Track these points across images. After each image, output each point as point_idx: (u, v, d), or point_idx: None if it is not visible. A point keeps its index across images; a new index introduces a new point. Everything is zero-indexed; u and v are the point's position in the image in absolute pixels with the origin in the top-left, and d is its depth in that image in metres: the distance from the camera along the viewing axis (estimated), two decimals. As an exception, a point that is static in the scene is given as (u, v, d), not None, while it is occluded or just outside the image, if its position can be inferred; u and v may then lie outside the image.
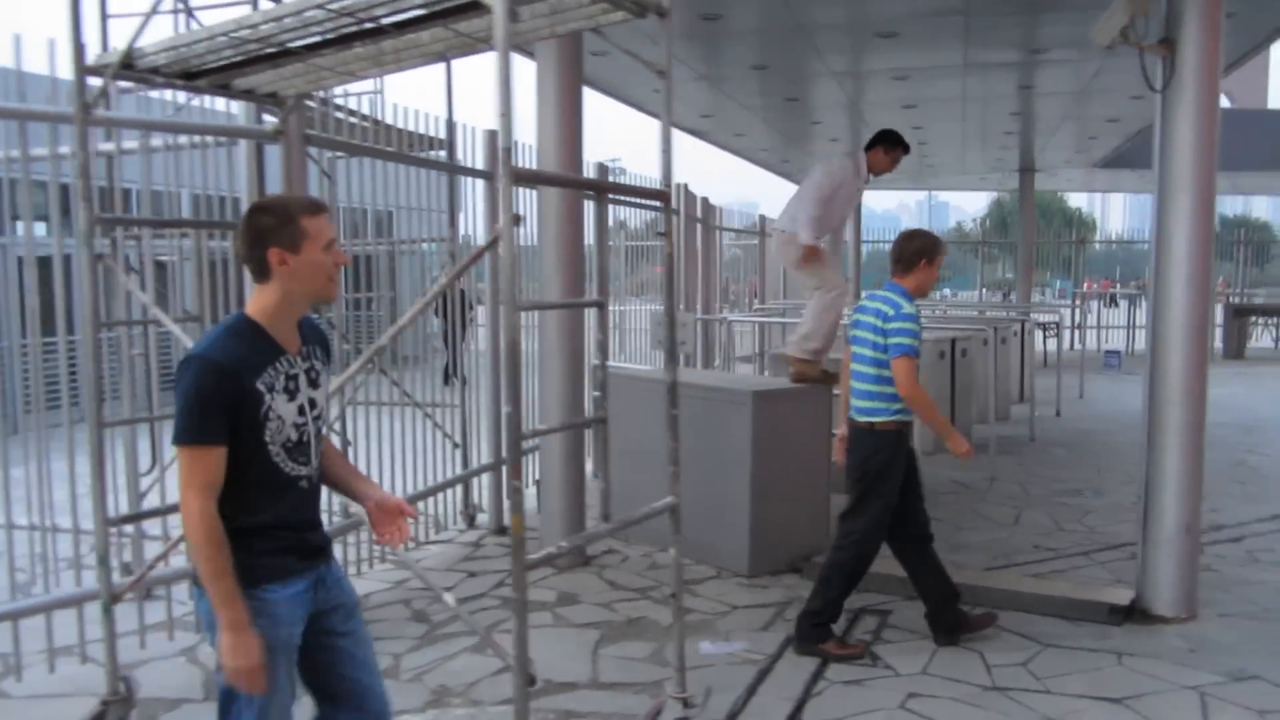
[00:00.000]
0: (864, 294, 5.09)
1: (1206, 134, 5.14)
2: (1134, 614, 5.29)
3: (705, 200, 12.87)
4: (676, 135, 16.64)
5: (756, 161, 17.29)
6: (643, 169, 13.85)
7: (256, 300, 2.55)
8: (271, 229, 2.50)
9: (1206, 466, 5.31)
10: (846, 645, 4.87)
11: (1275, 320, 20.29)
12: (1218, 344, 20.17)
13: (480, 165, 7.21)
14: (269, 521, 2.52)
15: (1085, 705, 4.26)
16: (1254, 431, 11.01)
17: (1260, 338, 21.28)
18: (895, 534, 4.99)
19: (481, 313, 8.19)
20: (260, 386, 2.47)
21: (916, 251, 4.83)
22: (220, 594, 2.37)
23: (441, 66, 5.15)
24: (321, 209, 2.59)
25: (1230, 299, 22.14)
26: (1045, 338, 18.55)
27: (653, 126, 14.27)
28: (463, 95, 7.83)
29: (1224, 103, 24.18)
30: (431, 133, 6.89)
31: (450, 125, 6.98)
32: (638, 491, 6.81)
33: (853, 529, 4.86)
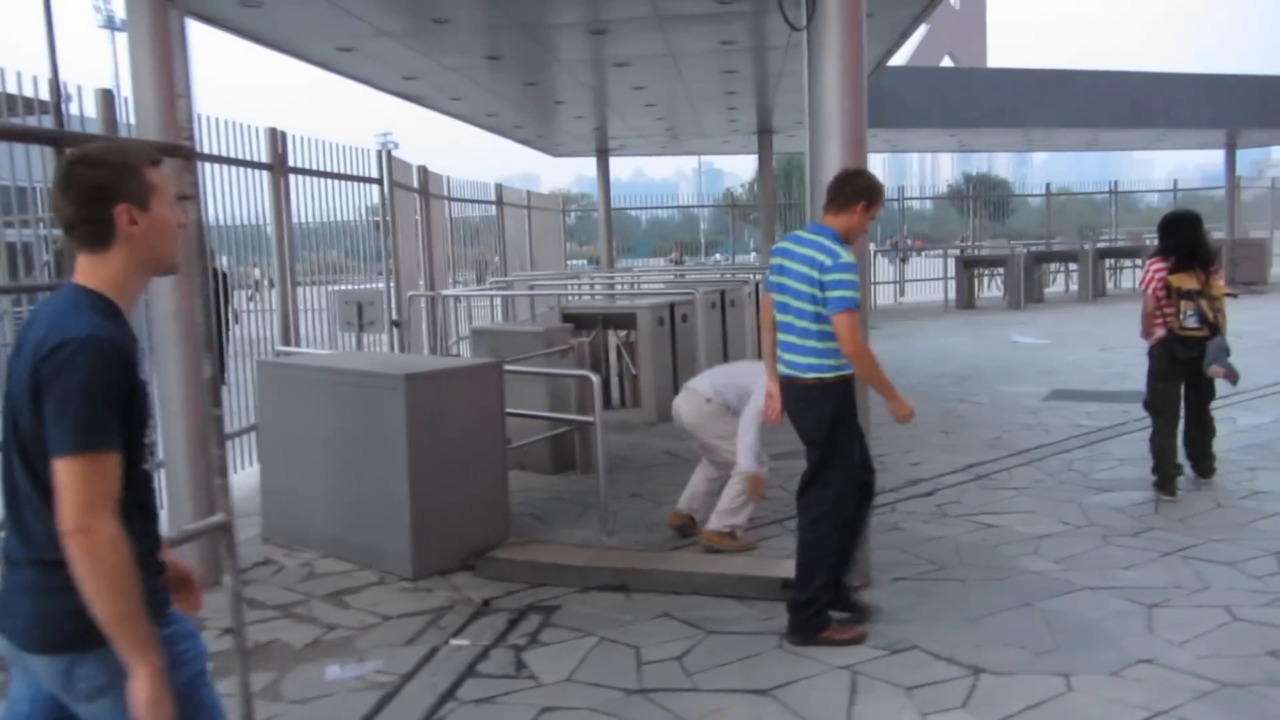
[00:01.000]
0: (781, 235, 4.47)
1: (852, 75, 4.85)
2: (808, 586, 5.02)
3: (424, 169, 12.11)
4: (440, 119, 15.41)
5: (489, 128, 16.56)
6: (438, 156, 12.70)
7: (98, 271, 2.06)
8: (113, 182, 2.04)
9: (917, 418, 4.84)
10: (849, 629, 4.41)
11: (1000, 271, 21.42)
12: (950, 295, 21.19)
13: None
14: (150, 547, 2.10)
15: (730, 701, 3.90)
16: (967, 380, 11.32)
17: (988, 289, 22.44)
18: None
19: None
20: (143, 378, 2.04)
21: (857, 191, 4.32)
22: (138, 637, 1.92)
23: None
24: (159, 158, 2.16)
25: (964, 252, 23.28)
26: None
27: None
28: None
29: (947, 62, 25.25)
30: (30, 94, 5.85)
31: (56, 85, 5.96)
32: (297, 495, 6.10)
33: (824, 495, 4.34)
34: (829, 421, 4.29)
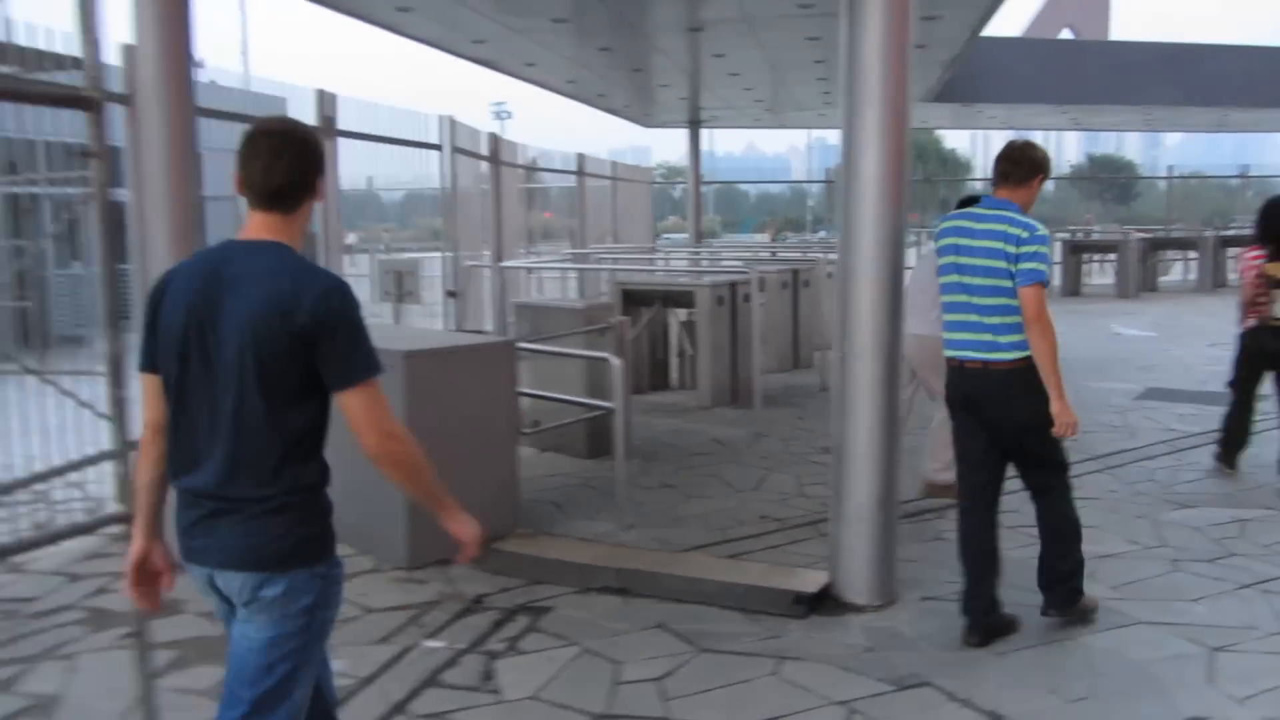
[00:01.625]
0: (948, 215, 4.20)
1: (896, 38, 4.29)
2: (825, 602, 4.54)
3: (494, 136, 11.81)
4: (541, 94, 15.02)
5: (572, 95, 16.17)
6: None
7: (288, 230, 2.32)
8: (317, 152, 2.34)
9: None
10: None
11: (1112, 258, 20.16)
12: (1056, 282, 19.99)
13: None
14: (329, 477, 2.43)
15: (701, 736, 3.47)
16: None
17: (1099, 275, 21.19)
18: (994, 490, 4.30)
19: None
20: None
21: (1036, 164, 4.09)
22: (449, 500, 2.44)
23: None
24: None
25: (1076, 235, 22.04)
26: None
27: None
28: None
29: (1067, 35, 23.92)
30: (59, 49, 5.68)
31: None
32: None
33: (1054, 473, 4.18)
34: (1037, 407, 3.92)
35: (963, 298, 4.00)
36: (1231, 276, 21.93)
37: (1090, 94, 17.61)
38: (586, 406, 6.32)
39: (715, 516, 5.92)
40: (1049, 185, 17.72)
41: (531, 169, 13.46)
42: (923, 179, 23.70)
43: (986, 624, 4.13)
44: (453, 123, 9.95)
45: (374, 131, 8.71)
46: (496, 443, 5.47)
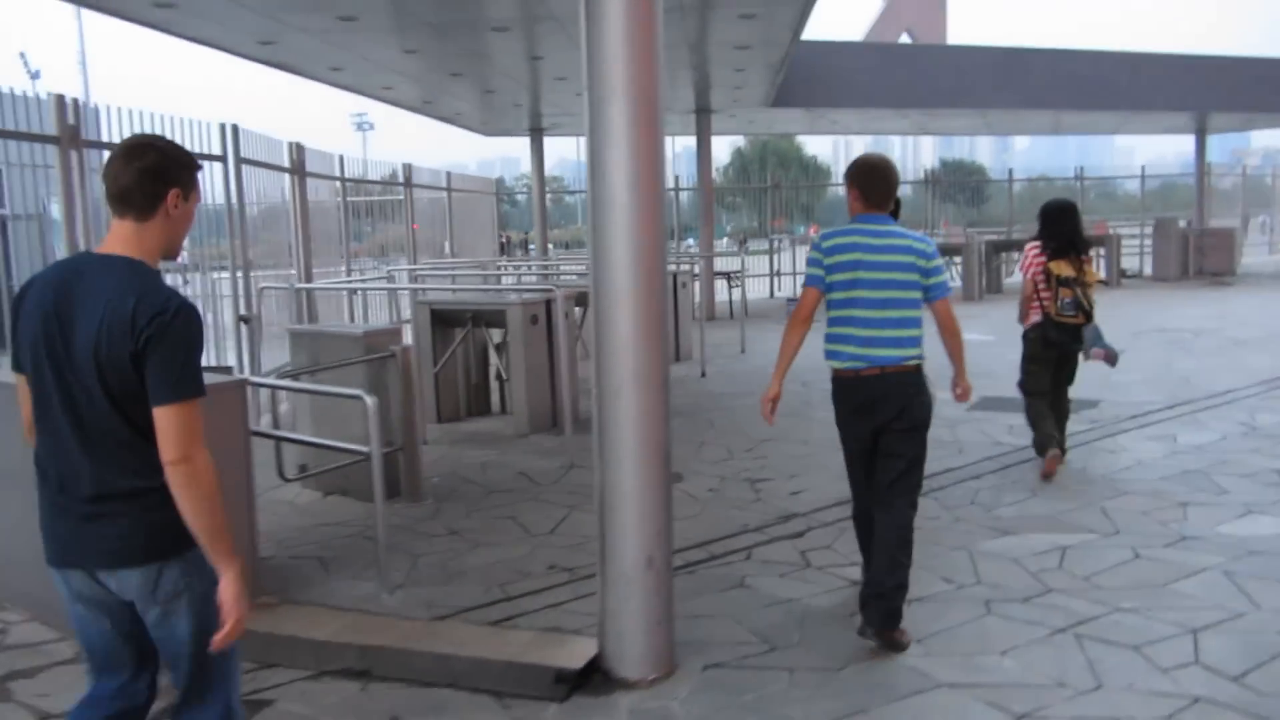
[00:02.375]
0: (848, 226, 4.28)
1: (642, 15, 3.69)
2: (592, 678, 3.91)
3: (298, 145, 10.88)
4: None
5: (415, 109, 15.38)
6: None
7: (139, 241, 2.43)
8: (175, 168, 2.47)
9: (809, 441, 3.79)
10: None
11: (958, 261, 20.33)
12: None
13: None
14: None
15: None
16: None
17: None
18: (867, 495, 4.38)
19: None
20: None
21: (895, 186, 4.37)
22: (227, 545, 2.41)
23: None
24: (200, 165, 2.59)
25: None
26: (730, 287, 17.72)
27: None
28: None
29: (905, 39, 24.19)
30: None
31: None
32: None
33: (919, 480, 4.34)
34: (924, 406, 4.22)
35: (869, 312, 4.13)
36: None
37: (929, 98, 17.66)
38: (346, 451, 5.55)
39: (499, 568, 5.25)
40: (905, 189, 17.75)
41: (349, 180, 12.50)
42: (779, 185, 23.49)
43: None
44: (236, 130, 9.03)
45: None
46: (227, 500, 4.66)
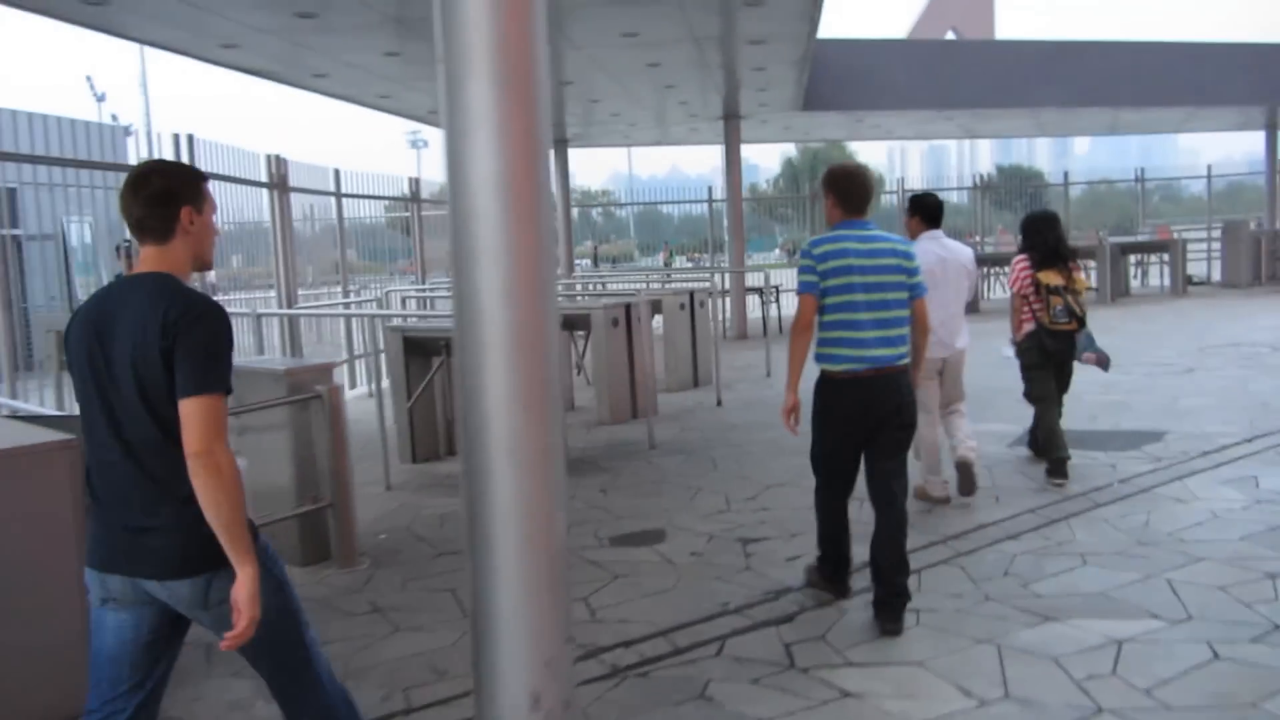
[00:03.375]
0: (834, 233, 4.40)
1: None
2: None
3: (277, 158, 10.10)
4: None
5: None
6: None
7: (165, 260, 2.52)
8: (181, 188, 2.55)
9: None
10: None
11: (1006, 270, 19.04)
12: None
13: None
14: None
15: None
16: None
17: (994, 290, 20.07)
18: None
19: None
20: None
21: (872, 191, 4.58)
22: (246, 543, 2.43)
23: None
24: (208, 177, 2.71)
25: (981, 248, 20.88)
26: (764, 303, 16.65)
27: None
28: None
29: (950, 36, 22.90)
30: None
31: None
32: None
33: (905, 475, 4.54)
34: (913, 405, 4.43)
35: (864, 314, 4.26)
36: (1135, 284, 21.06)
37: (974, 97, 16.45)
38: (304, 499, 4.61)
39: (413, 664, 4.27)
40: (959, 196, 16.56)
41: (341, 195, 11.68)
42: (817, 196, 22.35)
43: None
44: (191, 142, 8.23)
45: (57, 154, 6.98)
46: (48, 590, 3.75)
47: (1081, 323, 6.42)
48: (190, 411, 2.37)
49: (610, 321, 9.35)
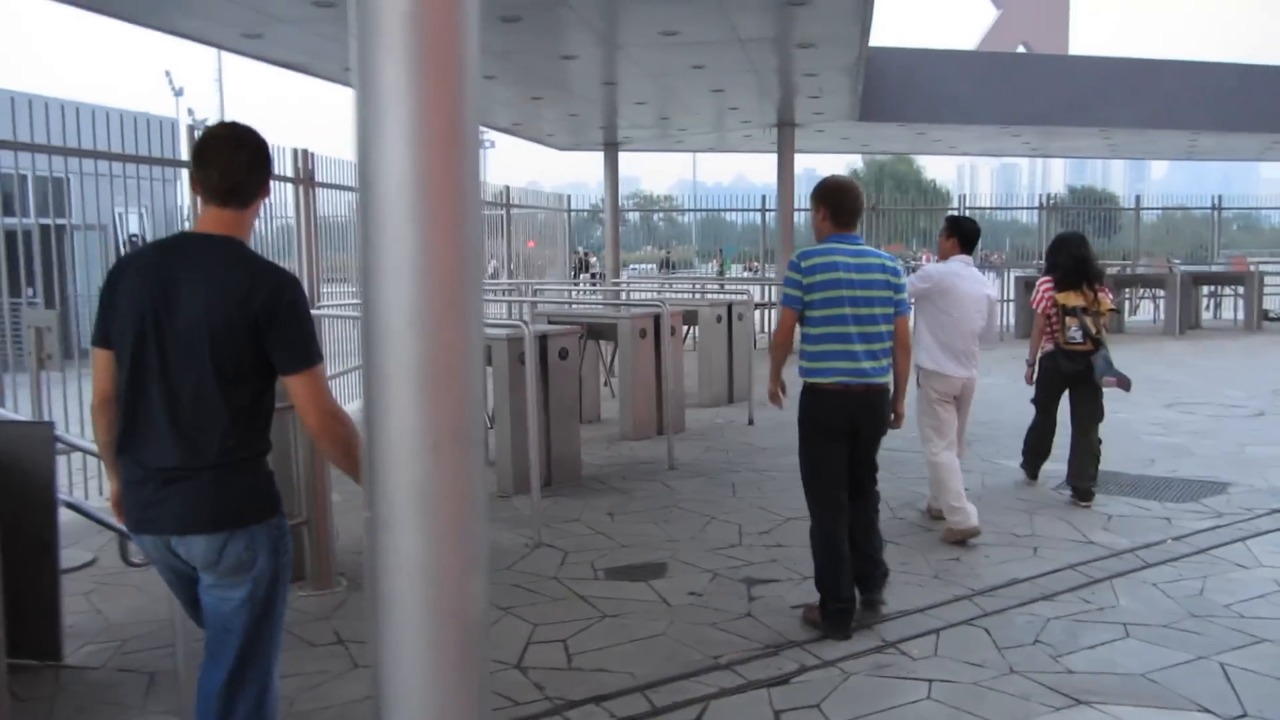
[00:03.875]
0: (824, 245, 4.42)
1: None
2: None
3: (304, 152, 9.80)
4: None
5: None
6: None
7: (238, 224, 2.52)
8: (270, 158, 2.60)
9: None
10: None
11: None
12: (1010, 324, 18.00)
13: None
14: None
15: None
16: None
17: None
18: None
19: None
20: None
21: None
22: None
23: None
24: None
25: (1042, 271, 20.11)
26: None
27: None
28: None
29: (1020, 49, 21.99)
30: None
31: None
32: None
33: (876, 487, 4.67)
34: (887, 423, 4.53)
35: (853, 328, 4.27)
36: (1206, 316, 20.11)
37: (1041, 114, 15.73)
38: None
39: (361, 710, 3.87)
40: (1028, 217, 16.07)
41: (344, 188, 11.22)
42: (876, 208, 21.74)
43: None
44: (176, 129, 7.94)
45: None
46: (28, 574, 3.40)
47: (1097, 344, 6.43)
48: (300, 386, 2.44)
49: (638, 332, 8.91)
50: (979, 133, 17.36)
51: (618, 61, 10.42)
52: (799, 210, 16.32)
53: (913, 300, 5.45)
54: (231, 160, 2.48)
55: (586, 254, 27.07)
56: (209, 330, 2.40)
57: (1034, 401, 6.96)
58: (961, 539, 5.67)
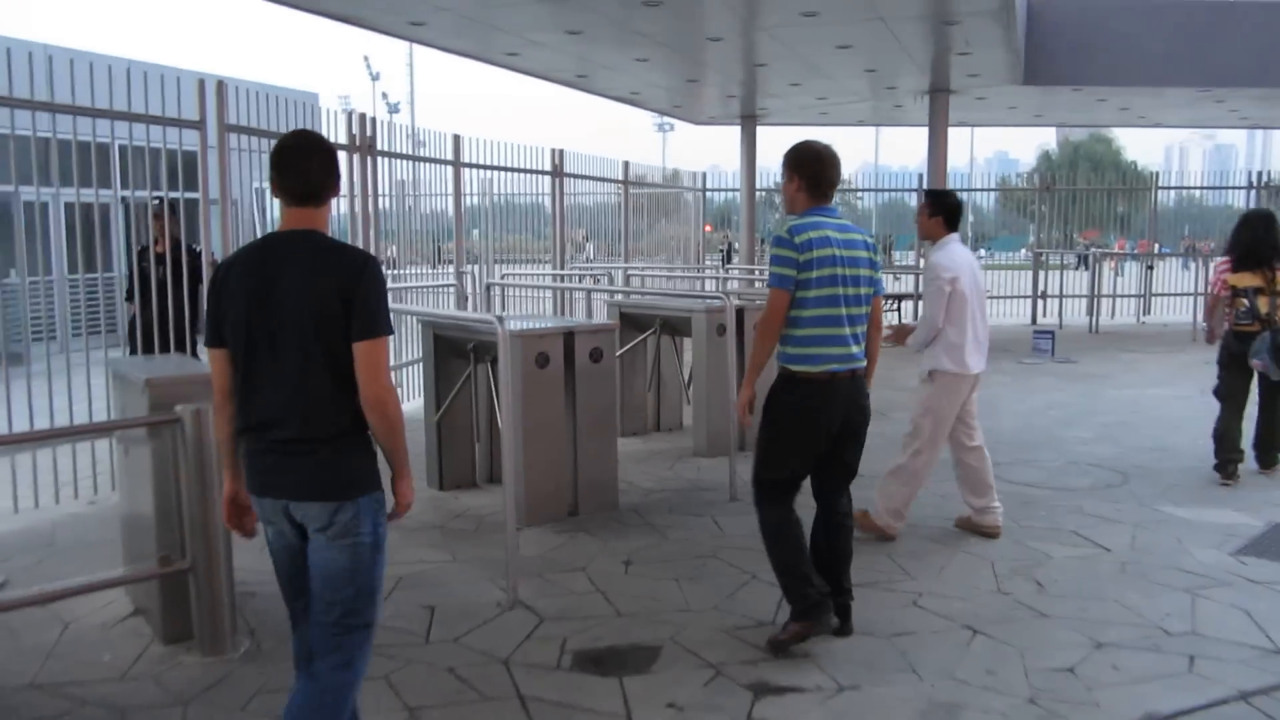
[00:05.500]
0: (811, 219, 3.95)
1: None
2: None
3: (363, 117, 8.83)
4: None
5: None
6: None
7: (318, 219, 2.77)
8: (337, 159, 2.85)
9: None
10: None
11: None
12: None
13: None
14: None
15: None
16: (1113, 492, 6.68)
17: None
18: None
19: None
20: None
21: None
22: (407, 464, 2.82)
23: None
24: None
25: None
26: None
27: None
28: None
29: None
30: None
31: None
32: None
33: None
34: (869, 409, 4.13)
35: (842, 310, 3.93)
36: None
37: (1250, 74, 13.20)
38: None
39: None
40: (1235, 197, 13.77)
41: (412, 159, 10.12)
42: (1050, 188, 19.32)
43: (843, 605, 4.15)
44: (220, 87, 6.96)
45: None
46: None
47: (1265, 324, 6.34)
48: (367, 353, 2.63)
49: (716, 329, 7.47)
50: (1173, 98, 14.87)
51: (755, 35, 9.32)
52: (969, 191, 14.43)
53: (938, 296, 5.18)
54: (306, 167, 2.73)
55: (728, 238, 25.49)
56: (311, 314, 2.61)
57: (1216, 392, 6.74)
58: (981, 530, 5.50)
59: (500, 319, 4.75)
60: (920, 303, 5.51)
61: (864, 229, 4.15)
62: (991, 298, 14.59)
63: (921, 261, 15.72)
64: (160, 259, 6.94)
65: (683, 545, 5.44)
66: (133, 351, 7.04)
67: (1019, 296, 18.46)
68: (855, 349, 3.96)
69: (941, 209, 5.36)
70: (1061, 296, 17.42)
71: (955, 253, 5.31)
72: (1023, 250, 35.30)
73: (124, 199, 7.53)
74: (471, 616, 4.45)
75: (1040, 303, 17.79)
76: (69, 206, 7.60)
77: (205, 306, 2.84)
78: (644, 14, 9.41)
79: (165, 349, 6.66)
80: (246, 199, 8.95)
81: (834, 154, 4.06)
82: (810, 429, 3.95)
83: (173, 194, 7.09)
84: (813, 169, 4.00)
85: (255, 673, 3.91)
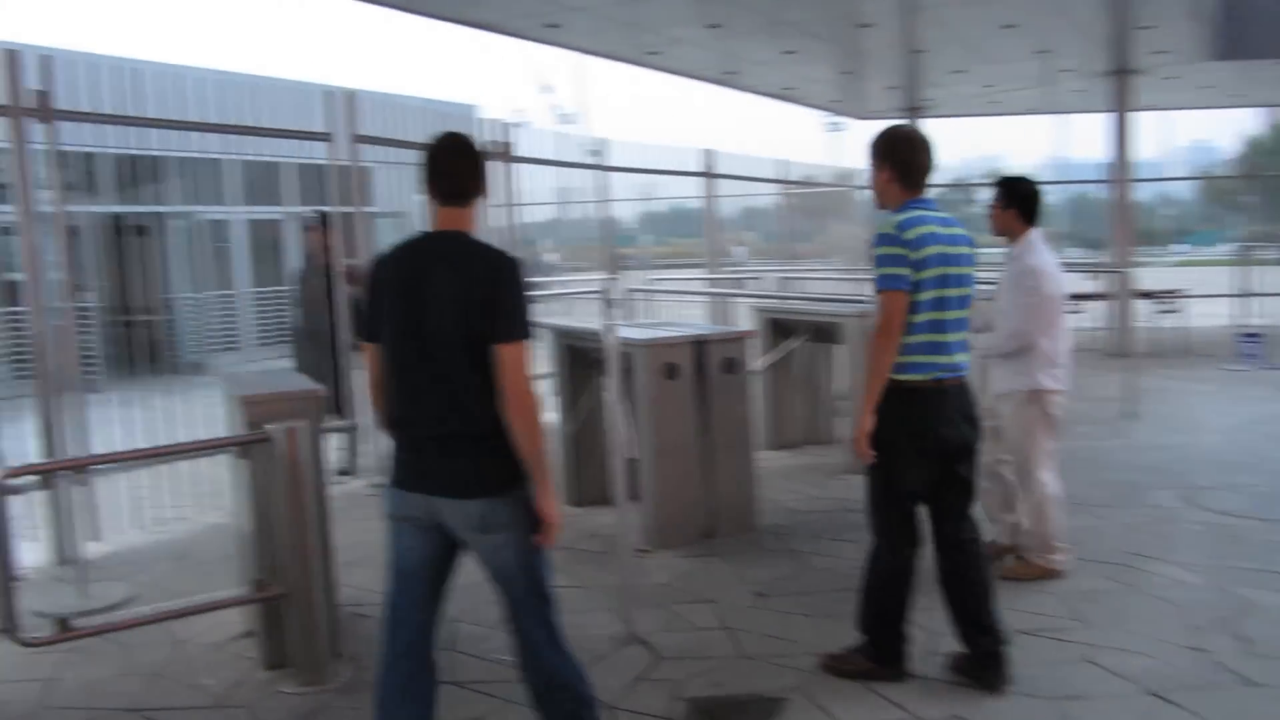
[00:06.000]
0: (914, 213, 3.53)
1: None
2: None
3: (504, 124, 8.65)
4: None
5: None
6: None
7: (466, 219, 2.85)
8: (484, 164, 2.92)
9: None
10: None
11: None
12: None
13: None
14: None
15: None
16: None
17: None
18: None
19: None
20: None
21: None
22: (548, 473, 2.78)
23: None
24: None
25: None
26: (1162, 312, 13.02)
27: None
28: None
29: None
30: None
31: None
32: None
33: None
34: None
35: (954, 313, 3.58)
36: None
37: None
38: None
39: None
40: None
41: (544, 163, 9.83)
42: (1255, 176, 17.64)
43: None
44: (349, 99, 6.89)
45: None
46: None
47: None
48: (511, 355, 2.66)
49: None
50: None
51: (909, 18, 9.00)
52: (1157, 180, 13.28)
53: (1038, 307, 4.59)
54: (456, 168, 2.83)
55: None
56: (460, 312, 2.66)
57: None
58: (1046, 575, 4.70)
59: (611, 328, 4.38)
60: (1000, 306, 4.72)
61: (959, 223, 3.70)
62: (1189, 297, 13.33)
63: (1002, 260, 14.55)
64: (321, 271, 6.99)
65: (825, 575, 4.94)
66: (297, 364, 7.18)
67: (1220, 295, 16.87)
68: (961, 357, 3.62)
69: (1015, 200, 4.72)
70: (1273, 296, 15.80)
71: (1045, 254, 4.69)
72: (1223, 245, 32.68)
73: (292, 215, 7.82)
74: (583, 652, 4.06)
75: (1245, 302, 16.19)
76: (250, 224, 7.83)
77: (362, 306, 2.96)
78: (786, 2, 8.97)
79: (322, 361, 6.74)
80: (413, 210, 9.23)
81: (925, 138, 3.69)
82: (924, 444, 3.58)
83: (325, 208, 7.11)
84: (904, 155, 3.62)
85: (349, 707, 3.68)
